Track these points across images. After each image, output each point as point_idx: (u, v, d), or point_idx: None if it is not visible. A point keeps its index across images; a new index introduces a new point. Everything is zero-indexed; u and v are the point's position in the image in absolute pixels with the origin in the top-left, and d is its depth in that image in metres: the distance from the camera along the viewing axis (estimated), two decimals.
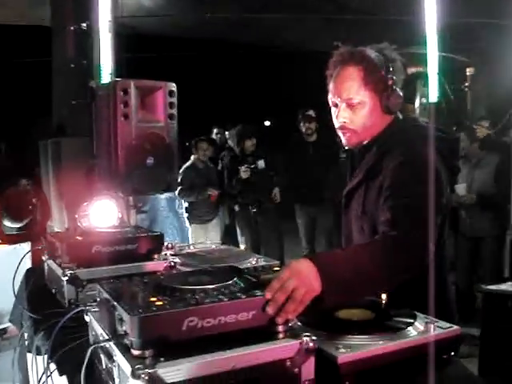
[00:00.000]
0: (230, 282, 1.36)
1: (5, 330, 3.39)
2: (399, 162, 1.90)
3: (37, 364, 1.80)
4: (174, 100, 3.00)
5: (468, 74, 9.45)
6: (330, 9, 6.75)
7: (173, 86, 3.00)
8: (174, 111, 3.01)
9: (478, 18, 6.37)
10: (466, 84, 9.43)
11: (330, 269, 1.49)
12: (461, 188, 5.31)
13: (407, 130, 2.05)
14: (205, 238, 6.70)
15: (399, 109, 2.04)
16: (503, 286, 3.51)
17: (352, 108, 2.01)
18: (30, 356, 2.14)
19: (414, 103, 5.24)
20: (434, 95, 4.72)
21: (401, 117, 2.11)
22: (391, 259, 1.61)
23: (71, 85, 4.32)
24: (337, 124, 2.07)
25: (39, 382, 1.54)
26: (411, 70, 5.60)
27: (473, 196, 5.24)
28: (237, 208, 6.78)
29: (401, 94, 2.00)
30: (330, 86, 2.07)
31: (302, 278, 1.40)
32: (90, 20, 4.07)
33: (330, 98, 2.08)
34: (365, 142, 2.10)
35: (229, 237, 7.13)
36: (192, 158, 6.98)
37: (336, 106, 2.06)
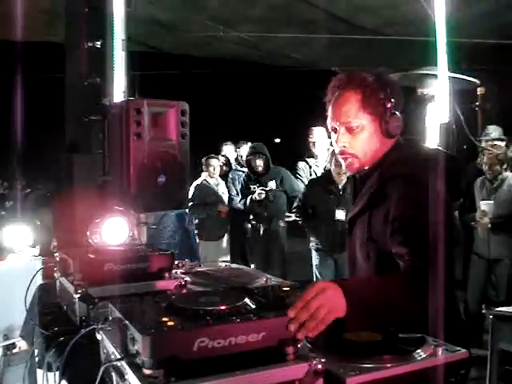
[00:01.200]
0: (241, 303, 1.38)
1: (14, 345, 3.41)
2: (402, 193, 1.89)
3: (47, 380, 1.81)
4: (187, 119, 3.04)
5: (479, 93, 9.47)
6: (342, 28, 6.80)
7: (185, 106, 3.05)
8: (186, 130, 3.05)
9: (487, 38, 6.40)
10: (477, 103, 9.45)
11: (356, 293, 1.53)
12: (485, 205, 5.28)
13: (409, 156, 2.04)
14: (215, 254, 6.74)
15: (399, 132, 2.04)
16: None
17: (351, 132, 2.01)
18: (40, 372, 2.16)
19: (424, 123, 5.27)
20: (444, 116, 4.74)
21: (401, 140, 2.09)
22: (419, 290, 1.64)
23: (84, 102, 4.35)
24: (337, 149, 2.08)
25: None
26: (422, 91, 5.63)
27: (487, 221, 5.25)
28: (248, 226, 6.80)
29: (400, 117, 2.01)
30: (329, 111, 2.08)
31: (327, 298, 1.44)
32: (104, 38, 4.12)
33: (329, 123, 2.08)
34: (366, 168, 2.10)
35: (239, 255, 7.16)
36: (202, 175, 7.05)
37: (335, 130, 2.06)
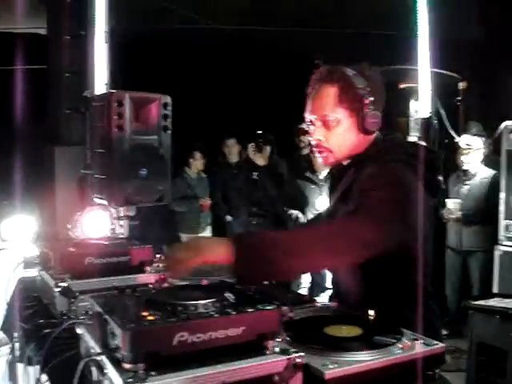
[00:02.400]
0: (221, 297, 1.39)
1: None
2: (366, 174, 1.92)
3: (28, 375, 1.81)
4: (169, 112, 3.03)
5: (461, 88, 9.52)
6: (329, 23, 6.80)
7: (167, 99, 3.04)
8: (169, 123, 3.04)
9: (468, 35, 6.45)
10: (459, 98, 9.50)
11: (247, 240, 1.64)
12: (452, 204, 5.37)
13: (384, 151, 2.02)
14: None
15: (376, 129, 2.02)
16: (491, 302, 3.54)
17: (327, 126, 2.00)
18: (20, 366, 2.16)
19: (407, 118, 5.31)
20: (425, 110, 4.77)
21: (380, 136, 2.08)
22: (322, 241, 1.69)
23: (66, 94, 4.33)
24: (312, 142, 2.07)
25: None
26: (404, 86, 5.66)
27: (459, 215, 5.34)
28: (229, 218, 6.80)
29: (378, 114, 2.00)
30: (307, 104, 2.07)
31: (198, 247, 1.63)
32: (86, 30, 4.10)
33: (306, 116, 2.07)
34: (344, 163, 2.10)
35: None
36: (185, 167, 7.04)
37: (312, 123, 2.05)
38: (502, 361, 3.39)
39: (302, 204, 5.74)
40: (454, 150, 5.98)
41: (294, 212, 5.71)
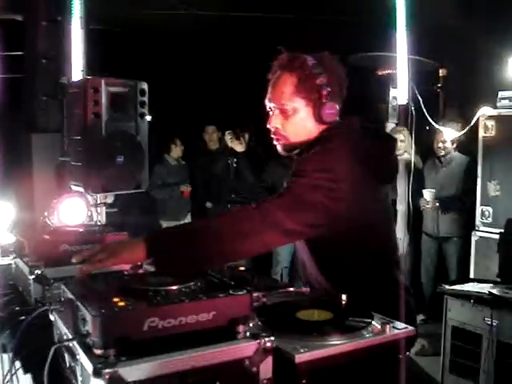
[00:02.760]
0: (192, 283, 1.40)
1: None
2: (301, 159, 1.96)
3: (2, 361, 1.81)
4: (145, 99, 3.02)
5: (441, 75, 9.57)
6: (306, 10, 6.78)
7: (144, 85, 3.03)
8: (145, 110, 3.03)
9: (447, 21, 6.46)
10: (439, 85, 9.55)
11: (159, 237, 1.70)
12: (427, 194, 5.42)
13: (330, 137, 2.00)
14: None
15: (333, 120, 2.02)
16: (466, 287, 3.59)
17: (284, 114, 2.01)
18: None
19: (387, 104, 5.33)
20: (403, 97, 4.80)
21: (337, 121, 2.06)
22: (220, 231, 1.72)
23: (42, 80, 4.29)
24: (270, 129, 2.08)
25: (4, 379, 1.56)
26: (383, 72, 5.68)
27: (436, 204, 5.39)
28: (209, 205, 6.80)
29: (336, 104, 2.00)
30: (268, 91, 2.08)
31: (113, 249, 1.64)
32: (63, 15, 4.05)
33: (266, 103, 2.08)
34: (297, 150, 2.09)
35: None
36: (165, 155, 7.02)
37: (271, 110, 2.06)
38: (476, 345, 3.45)
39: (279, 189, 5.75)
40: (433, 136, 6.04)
41: None
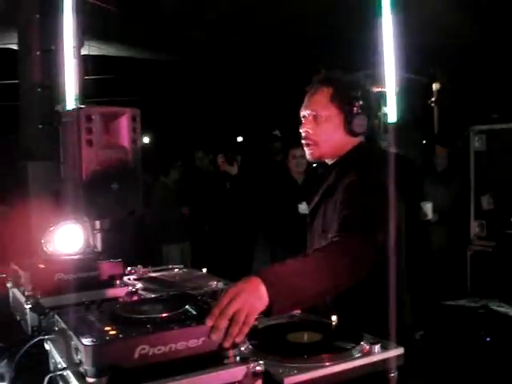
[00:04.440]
0: (182, 310, 1.43)
1: None
2: (352, 180, 2.02)
3: None
4: (138, 125, 3.07)
5: (434, 89, 9.66)
6: (298, 28, 6.86)
7: (136, 112, 3.07)
8: (138, 136, 3.08)
9: (436, 37, 6.55)
10: (433, 99, 9.64)
11: (277, 279, 1.55)
12: (428, 207, 5.46)
13: (366, 155, 2.18)
14: (178, 258, 6.74)
15: (361, 132, 2.17)
16: (462, 301, 3.61)
17: (317, 120, 2.18)
18: None
19: (379, 122, 5.39)
20: (392, 115, 4.86)
21: (364, 142, 2.23)
22: (333, 263, 1.70)
23: (38, 109, 4.35)
24: (302, 135, 2.23)
25: None
26: (375, 90, 5.74)
27: (436, 217, 5.43)
28: (207, 228, 6.84)
29: (365, 118, 2.15)
30: (304, 100, 2.25)
31: (243, 300, 1.42)
32: (56, 45, 4.12)
33: (301, 111, 2.25)
34: (329, 163, 2.24)
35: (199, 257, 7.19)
36: (162, 178, 7.06)
37: (304, 117, 2.23)
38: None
39: (281, 209, 5.77)
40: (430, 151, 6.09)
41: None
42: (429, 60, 8.01)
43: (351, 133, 2.16)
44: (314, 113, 2.19)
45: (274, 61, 7.47)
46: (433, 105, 9.59)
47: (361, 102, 2.14)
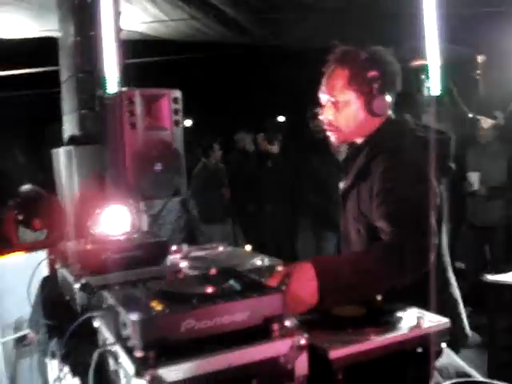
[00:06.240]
0: (226, 284, 1.44)
1: (25, 337, 3.49)
2: (386, 167, 1.95)
3: (52, 369, 1.89)
4: (179, 106, 3.09)
5: (480, 61, 9.43)
6: (334, 5, 6.76)
7: (177, 93, 3.09)
8: (180, 117, 3.10)
9: (482, 7, 6.37)
10: (478, 72, 9.41)
11: (330, 273, 1.60)
12: (474, 176, 5.35)
13: (397, 133, 2.09)
14: (220, 237, 6.81)
15: (384, 112, 2.09)
16: (508, 277, 3.54)
17: (337, 106, 2.10)
18: (47, 361, 2.24)
19: (422, 96, 5.30)
20: (436, 88, 4.76)
21: (393, 117, 2.16)
22: (394, 263, 1.69)
23: (80, 94, 4.42)
24: (324, 121, 2.17)
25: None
26: (417, 64, 5.64)
27: (485, 188, 5.31)
28: (251, 208, 6.86)
29: (386, 97, 2.07)
30: (322, 84, 2.16)
31: (291, 295, 1.52)
32: (95, 30, 4.17)
33: (320, 95, 2.17)
34: (358, 142, 2.18)
35: (243, 236, 7.23)
36: (203, 159, 7.12)
37: (324, 103, 2.15)
38: None
39: (324, 187, 5.75)
40: (472, 125, 5.96)
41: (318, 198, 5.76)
42: (474, 31, 7.81)
43: (373, 114, 2.08)
44: (332, 99, 2.11)
45: (313, 38, 7.40)
46: (478, 77, 9.38)
47: (381, 81, 2.04)
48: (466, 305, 2.20)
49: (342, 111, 2.10)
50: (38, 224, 4.44)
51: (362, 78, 2.05)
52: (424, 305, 1.68)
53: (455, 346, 1.63)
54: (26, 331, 3.31)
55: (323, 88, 2.15)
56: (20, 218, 4.22)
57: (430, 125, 2.20)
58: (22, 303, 3.11)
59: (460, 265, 5.61)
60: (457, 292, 2.18)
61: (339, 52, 2.13)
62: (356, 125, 2.11)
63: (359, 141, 2.18)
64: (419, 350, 1.48)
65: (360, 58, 2.07)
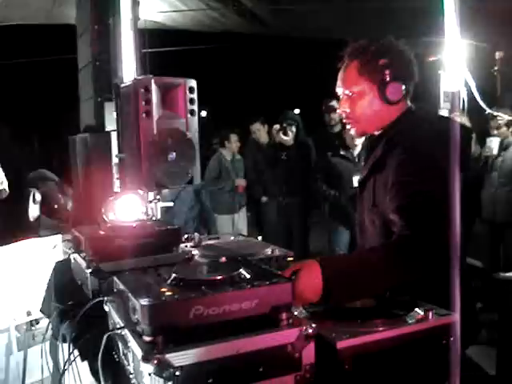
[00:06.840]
0: (236, 272, 1.45)
1: (37, 321, 3.53)
2: (402, 160, 1.94)
3: (63, 351, 1.91)
4: (194, 96, 3.09)
5: (497, 57, 9.35)
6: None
7: (193, 82, 3.09)
8: (195, 107, 3.10)
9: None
10: (496, 68, 9.33)
11: (337, 270, 1.62)
12: (494, 141, 5.33)
13: (415, 125, 2.08)
14: (231, 228, 6.83)
15: (399, 99, 2.08)
16: None
17: (351, 98, 2.12)
18: (58, 344, 2.27)
19: (437, 91, 5.26)
20: (454, 83, 4.71)
21: (412, 107, 2.15)
22: (405, 259, 1.69)
23: (96, 82, 4.44)
24: (342, 114, 2.20)
25: (64, 366, 1.65)
26: (434, 58, 5.59)
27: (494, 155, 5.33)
28: (264, 199, 6.86)
29: (399, 84, 2.06)
30: (338, 78, 2.19)
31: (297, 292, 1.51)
32: (113, 18, 4.17)
33: (336, 89, 2.20)
34: (376, 133, 2.19)
35: (256, 227, 7.25)
36: (220, 149, 7.13)
37: (340, 96, 2.18)
38: None
39: (336, 181, 5.75)
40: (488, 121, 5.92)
41: (332, 191, 5.75)
42: (492, 27, 7.73)
43: (388, 102, 2.07)
44: (346, 91, 2.13)
45: (330, 31, 7.38)
46: (496, 73, 9.30)
47: (393, 67, 2.04)
48: (477, 301, 2.20)
49: (357, 102, 2.11)
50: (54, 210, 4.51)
51: (373, 66, 2.06)
52: (434, 299, 1.68)
53: (464, 342, 1.63)
54: (39, 315, 3.34)
55: (338, 82, 2.17)
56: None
57: (456, 118, 2.18)
58: (35, 287, 3.16)
59: (474, 262, 5.58)
60: (469, 287, 2.17)
61: (350, 47, 2.16)
62: (373, 114, 2.12)
63: (377, 133, 2.19)
64: (427, 342, 1.49)
65: (369, 49, 2.09)
